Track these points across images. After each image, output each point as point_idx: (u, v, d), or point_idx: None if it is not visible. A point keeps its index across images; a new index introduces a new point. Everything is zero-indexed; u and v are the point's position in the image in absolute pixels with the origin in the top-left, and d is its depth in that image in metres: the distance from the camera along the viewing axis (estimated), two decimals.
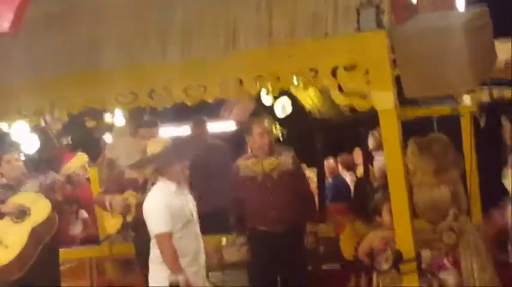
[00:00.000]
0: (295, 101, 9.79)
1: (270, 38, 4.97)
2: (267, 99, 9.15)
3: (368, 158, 8.66)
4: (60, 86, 5.36)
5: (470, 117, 6.24)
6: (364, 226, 7.08)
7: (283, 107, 9.55)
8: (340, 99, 4.82)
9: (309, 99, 9.84)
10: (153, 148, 5.74)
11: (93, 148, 7.74)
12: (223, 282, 7.43)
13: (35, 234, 6.29)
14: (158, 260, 5.57)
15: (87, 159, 6.89)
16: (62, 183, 6.74)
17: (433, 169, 5.06)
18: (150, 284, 5.69)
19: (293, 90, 9.68)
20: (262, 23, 5.00)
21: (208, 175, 8.33)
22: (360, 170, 9.15)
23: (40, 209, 6.34)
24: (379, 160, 8.11)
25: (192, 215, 5.69)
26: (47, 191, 6.51)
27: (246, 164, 6.68)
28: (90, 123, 7.63)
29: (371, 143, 8.57)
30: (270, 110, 9.30)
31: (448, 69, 4.59)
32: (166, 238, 5.44)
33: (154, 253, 5.60)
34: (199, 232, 5.74)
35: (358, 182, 8.73)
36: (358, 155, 9.71)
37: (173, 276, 5.39)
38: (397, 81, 4.78)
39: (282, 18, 4.99)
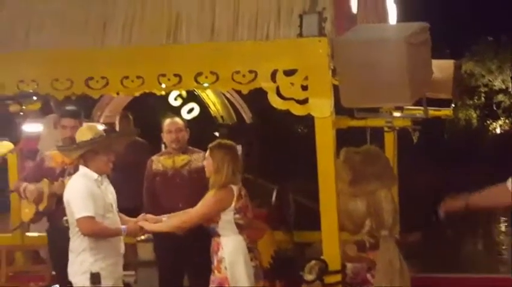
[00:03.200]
0: (203, 106, 10.09)
1: (212, 35, 4.95)
2: (175, 102, 9.40)
3: None
4: None
5: (395, 133, 6.38)
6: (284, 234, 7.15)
7: (190, 110, 9.80)
8: (277, 104, 4.80)
9: (212, 105, 10.08)
10: (83, 134, 5.62)
11: (13, 133, 7.54)
12: (137, 281, 7.38)
13: None
14: (78, 250, 5.48)
15: (12, 148, 6.70)
16: None
17: (349, 179, 5.09)
18: (69, 273, 5.59)
19: (202, 95, 10.01)
20: (205, 20, 4.99)
21: (128, 171, 8.31)
22: None
23: None
24: None
25: (111, 206, 5.64)
26: None
27: (158, 159, 6.85)
28: (13, 108, 7.46)
29: None
30: (177, 111, 9.52)
31: (385, 82, 4.62)
32: (90, 220, 5.37)
33: (75, 242, 5.51)
34: (119, 223, 5.68)
35: (279, 189, 8.76)
36: None
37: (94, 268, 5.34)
38: (335, 90, 4.82)
39: (224, 17, 5.00)
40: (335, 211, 4.78)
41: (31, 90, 5.20)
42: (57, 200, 6.18)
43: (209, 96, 10.43)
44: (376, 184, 5.04)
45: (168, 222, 5.78)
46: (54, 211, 6.35)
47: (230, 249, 5.59)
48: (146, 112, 16.38)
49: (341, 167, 4.98)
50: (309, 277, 4.93)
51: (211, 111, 10.58)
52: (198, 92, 10.15)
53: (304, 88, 4.76)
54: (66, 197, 5.57)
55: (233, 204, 5.59)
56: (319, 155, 4.80)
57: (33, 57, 5.15)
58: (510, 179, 4.40)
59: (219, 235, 5.61)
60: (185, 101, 10.19)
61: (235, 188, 5.64)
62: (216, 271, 5.61)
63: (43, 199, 6.40)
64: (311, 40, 4.74)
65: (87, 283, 5.36)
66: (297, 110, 4.82)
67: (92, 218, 5.37)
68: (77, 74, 5.05)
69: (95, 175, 5.55)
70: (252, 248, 5.80)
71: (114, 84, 5.01)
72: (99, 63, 5.05)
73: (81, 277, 5.43)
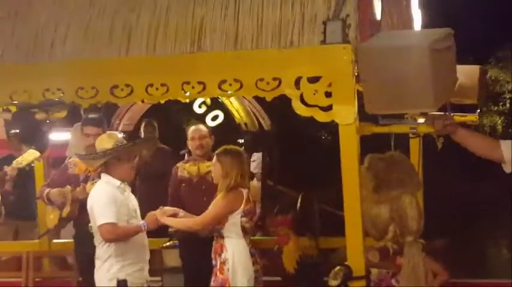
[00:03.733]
0: (227, 113, 10.15)
1: (236, 43, 4.97)
2: (199, 109, 9.48)
3: None
4: (20, 74, 5.25)
5: (420, 139, 6.36)
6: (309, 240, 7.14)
7: (214, 117, 9.88)
8: (301, 111, 4.81)
9: (236, 112, 10.13)
10: (104, 142, 5.67)
11: (40, 141, 7.59)
12: None
13: None
14: (104, 256, 5.53)
15: (39, 156, 6.76)
16: (12, 175, 6.64)
17: (372, 185, 5.08)
18: (95, 280, 5.64)
19: (226, 103, 10.07)
20: (229, 28, 5.00)
21: (153, 178, 8.39)
22: None
23: None
24: None
25: (135, 212, 5.69)
26: None
27: (184, 166, 6.96)
28: (40, 116, 7.53)
29: None
30: (202, 119, 9.59)
31: (409, 89, 4.62)
32: (111, 226, 5.42)
33: (101, 249, 5.57)
34: None
35: (304, 195, 8.77)
36: None
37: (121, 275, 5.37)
38: (359, 96, 4.82)
39: (248, 25, 5.00)
40: (359, 217, 4.77)
41: (56, 99, 5.23)
42: (81, 206, 6.24)
43: (233, 104, 10.48)
44: (400, 189, 5.01)
45: (181, 220, 5.85)
46: (79, 217, 6.42)
47: (234, 251, 5.65)
48: (170, 120, 16.51)
49: (365, 173, 4.97)
50: (333, 282, 4.93)
51: (235, 119, 10.63)
52: (222, 99, 10.20)
53: (328, 95, 4.75)
54: (90, 204, 5.63)
55: (241, 207, 5.65)
56: (343, 162, 4.79)
57: (59, 67, 5.19)
58: (505, 141, 4.74)
59: (223, 237, 5.67)
60: (209, 109, 10.24)
61: (244, 191, 5.71)
62: (218, 273, 5.68)
63: (66, 204, 6.46)
64: (335, 47, 4.73)
65: None
66: (321, 117, 4.82)
67: (113, 224, 5.42)
68: (101, 82, 5.08)
69: (118, 182, 5.60)
70: (253, 253, 5.86)
71: (138, 92, 5.03)
72: (123, 71, 5.08)
73: (108, 284, 5.47)
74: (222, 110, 10.45)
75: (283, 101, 4.92)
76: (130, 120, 9.48)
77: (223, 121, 9.95)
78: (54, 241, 7.91)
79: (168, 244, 7.46)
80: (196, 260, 6.58)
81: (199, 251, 6.37)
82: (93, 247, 5.94)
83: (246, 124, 10.85)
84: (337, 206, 8.96)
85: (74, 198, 6.39)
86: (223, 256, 5.66)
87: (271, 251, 6.88)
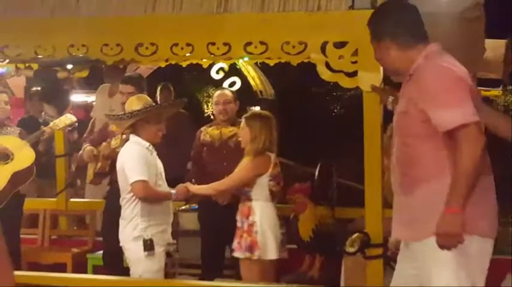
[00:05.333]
0: (244, 80, 10.13)
1: (263, 5, 4.93)
2: (216, 75, 9.45)
3: None
4: (46, 29, 5.23)
5: None
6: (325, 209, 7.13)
7: (231, 84, 9.87)
8: (326, 76, 4.77)
9: (252, 79, 10.11)
10: (133, 104, 5.67)
11: (61, 99, 7.63)
12: (178, 250, 7.43)
13: (14, 179, 6.18)
14: (130, 216, 5.54)
15: (75, 121, 6.80)
16: (48, 137, 6.69)
17: None
18: (120, 239, 5.67)
19: (243, 70, 10.05)
20: None
21: (172, 142, 8.38)
22: None
23: (24, 156, 6.23)
24: None
25: (161, 174, 5.70)
26: (31, 140, 6.41)
27: (207, 130, 6.92)
28: (61, 74, 7.55)
29: None
30: (219, 85, 9.58)
31: None
32: (144, 184, 5.43)
33: (127, 209, 5.57)
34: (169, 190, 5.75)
35: (322, 164, 8.75)
36: None
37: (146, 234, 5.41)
38: None
39: None
40: (379, 186, 4.76)
41: (81, 55, 5.21)
42: (113, 162, 6.28)
43: (249, 71, 10.48)
44: None
45: (209, 186, 5.86)
46: (113, 175, 6.44)
47: (262, 214, 5.65)
48: (186, 84, 16.50)
49: (389, 142, 4.94)
50: (350, 249, 4.94)
51: (252, 86, 10.63)
52: (240, 66, 10.19)
53: (354, 61, 4.72)
54: (120, 162, 5.64)
55: (269, 170, 5.65)
56: (366, 130, 4.77)
57: (84, 22, 5.17)
58: None
59: (250, 199, 5.67)
60: (227, 75, 10.22)
61: (272, 155, 5.69)
62: (245, 235, 5.66)
63: (99, 159, 6.51)
64: (363, 12, 4.66)
65: (141, 249, 5.43)
66: (346, 83, 4.80)
67: (146, 182, 5.44)
68: (126, 40, 5.06)
69: (146, 144, 5.60)
70: (285, 216, 5.86)
71: (163, 51, 5.02)
72: (149, 30, 5.06)
73: (134, 243, 5.50)
74: (239, 77, 10.44)
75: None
76: None
77: (240, 88, 9.92)
78: (71, 199, 7.97)
79: (184, 207, 7.48)
80: (215, 224, 6.58)
81: (217, 214, 6.38)
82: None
83: (261, 92, 10.88)
84: (350, 178, 9.02)
85: (104, 154, 6.46)
86: (250, 218, 5.66)
87: (287, 219, 6.87)
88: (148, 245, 5.45)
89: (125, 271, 5.79)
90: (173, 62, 7.20)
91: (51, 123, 6.66)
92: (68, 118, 6.65)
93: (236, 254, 5.75)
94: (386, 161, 4.94)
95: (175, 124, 8.43)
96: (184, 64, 7.31)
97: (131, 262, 5.60)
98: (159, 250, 5.55)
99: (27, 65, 7.40)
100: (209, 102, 20.36)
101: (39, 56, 5.38)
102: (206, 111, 19.42)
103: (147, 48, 5.02)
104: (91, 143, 6.77)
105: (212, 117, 9.51)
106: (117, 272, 5.99)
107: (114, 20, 5.12)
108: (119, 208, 5.68)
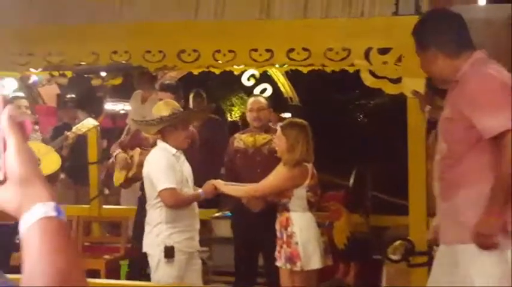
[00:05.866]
0: (275, 87, 10.11)
1: (305, 12, 4.92)
2: (247, 82, 9.44)
3: None
4: (88, 36, 5.25)
5: None
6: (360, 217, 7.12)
7: (263, 91, 9.87)
8: (370, 82, 4.76)
9: (282, 86, 10.11)
10: (162, 109, 5.66)
11: (95, 106, 7.65)
12: (211, 257, 7.43)
13: None
14: (155, 222, 5.54)
15: (98, 124, 6.82)
16: (72, 141, 6.71)
17: None
18: (144, 244, 5.67)
19: (273, 77, 10.04)
20: None
21: (203, 147, 8.39)
22: None
23: (50, 161, 6.26)
24: None
25: (187, 181, 5.69)
26: (56, 145, 6.43)
27: (240, 137, 6.86)
28: (96, 82, 7.58)
29: None
30: (250, 92, 9.58)
31: None
32: (173, 192, 5.42)
33: (152, 214, 5.57)
34: None
35: (357, 172, 8.74)
36: None
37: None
38: None
39: None
40: (424, 192, 4.73)
41: (123, 61, 5.22)
42: None
43: (279, 78, 10.49)
44: None
45: (240, 188, 5.83)
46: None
47: (301, 224, 5.61)
48: (218, 91, 16.50)
49: (433, 146, 4.91)
50: (393, 257, 4.90)
51: (283, 93, 10.64)
52: (270, 73, 10.20)
53: (398, 67, 4.71)
54: (147, 169, 5.62)
55: (307, 181, 5.61)
56: (410, 136, 4.75)
57: (127, 29, 5.18)
58: None
59: (288, 210, 5.64)
60: (258, 82, 10.24)
61: (309, 166, 5.66)
62: (285, 246, 5.63)
63: (133, 166, 6.52)
64: (407, 18, 4.65)
65: (161, 255, 5.43)
66: (390, 89, 4.78)
67: (174, 189, 5.42)
68: (169, 46, 5.06)
69: (174, 150, 5.59)
70: (320, 223, 5.82)
71: (205, 57, 5.01)
72: (191, 36, 5.06)
73: (156, 249, 5.50)
74: (270, 84, 10.46)
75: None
76: None
77: (271, 95, 9.93)
78: (104, 206, 7.98)
79: (218, 214, 7.48)
80: (248, 231, 6.57)
81: (251, 221, 6.36)
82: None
83: (291, 98, 10.89)
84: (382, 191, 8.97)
85: (140, 160, 6.48)
86: (289, 229, 5.62)
87: (322, 226, 6.86)
88: (169, 252, 5.44)
89: (147, 278, 5.82)
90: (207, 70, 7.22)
91: (74, 128, 6.67)
92: (90, 122, 6.65)
93: (278, 263, 5.72)
94: (429, 166, 4.91)
95: (208, 129, 8.48)
96: (217, 71, 7.31)
97: (152, 268, 5.60)
98: (181, 257, 5.53)
99: (61, 72, 7.44)
100: (232, 110, 20.36)
101: (82, 63, 5.39)
102: (229, 119, 19.44)
103: (189, 54, 5.02)
104: (121, 147, 6.81)
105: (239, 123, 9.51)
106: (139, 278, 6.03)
107: (157, 27, 5.12)
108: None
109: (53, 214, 1.45)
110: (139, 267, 6.52)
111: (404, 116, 4.80)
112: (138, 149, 6.56)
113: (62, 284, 1.38)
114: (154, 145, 6.37)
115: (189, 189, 5.70)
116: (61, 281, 1.38)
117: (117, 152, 6.71)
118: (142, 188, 6.66)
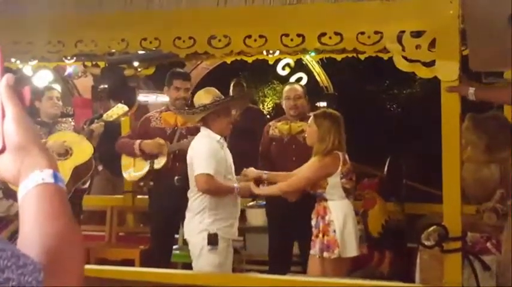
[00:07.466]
0: (310, 76, 10.03)
1: None
2: (282, 71, 9.38)
3: None
4: (118, 23, 5.23)
5: None
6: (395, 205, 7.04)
7: (298, 80, 9.83)
8: (403, 66, 4.68)
9: (317, 75, 10.03)
10: (203, 97, 5.66)
11: (128, 96, 7.63)
12: (245, 246, 7.41)
13: (75, 174, 6.21)
14: (197, 209, 5.54)
15: (128, 110, 6.77)
16: (99, 132, 6.70)
17: (484, 145, 4.92)
18: (185, 232, 5.69)
19: (309, 66, 9.96)
20: None
21: (242, 136, 8.39)
22: None
23: (82, 150, 6.25)
24: None
25: (231, 167, 5.70)
26: (87, 134, 6.42)
27: (275, 125, 6.88)
28: (128, 72, 7.57)
29: None
30: (285, 81, 9.54)
31: None
32: (208, 177, 5.43)
33: (194, 201, 5.58)
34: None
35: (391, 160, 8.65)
36: None
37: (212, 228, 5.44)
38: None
39: None
40: (458, 177, 4.62)
41: (153, 48, 5.20)
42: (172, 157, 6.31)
43: (314, 67, 10.43)
44: (508, 151, 4.86)
45: (275, 187, 5.80)
46: (168, 170, 6.45)
47: (339, 213, 5.57)
48: (251, 82, 16.50)
49: (473, 132, 4.82)
50: (427, 242, 4.83)
51: (318, 82, 10.58)
52: (306, 62, 10.14)
53: (432, 51, 4.62)
54: (190, 155, 5.64)
55: (339, 169, 5.56)
56: (444, 121, 4.65)
57: (156, 16, 5.16)
58: None
59: (326, 200, 5.59)
60: (293, 71, 10.18)
61: (340, 154, 5.61)
62: (321, 235, 5.59)
63: (160, 156, 6.50)
64: (440, 1, 4.58)
65: (205, 242, 5.42)
66: (423, 73, 4.70)
67: (210, 176, 5.41)
68: (199, 32, 5.02)
69: (218, 137, 5.60)
70: (357, 211, 5.78)
71: (236, 43, 4.96)
72: (221, 22, 5.01)
73: (199, 236, 5.49)
74: (305, 73, 10.40)
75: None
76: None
77: (306, 83, 9.88)
78: (138, 196, 7.99)
79: (252, 203, 7.45)
80: (283, 220, 6.55)
81: (286, 210, 6.33)
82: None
83: (326, 88, 10.83)
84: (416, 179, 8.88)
85: (169, 150, 6.46)
86: (327, 218, 5.58)
87: (357, 215, 6.80)
88: (213, 240, 5.44)
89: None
90: (239, 58, 7.19)
91: (104, 115, 6.66)
92: (120, 108, 6.63)
93: (312, 252, 5.68)
94: (471, 152, 4.82)
95: (247, 119, 8.48)
96: (250, 60, 7.27)
97: (194, 255, 5.59)
98: (223, 244, 5.52)
99: (94, 63, 7.45)
100: (265, 101, 20.34)
101: (112, 51, 5.37)
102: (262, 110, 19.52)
103: (220, 40, 4.98)
104: (131, 138, 6.78)
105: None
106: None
107: (187, 13, 5.08)
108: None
109: (50, 180, 1.44)
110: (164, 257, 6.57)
111: (438, 105, 4.70)
112: (162, 140, 6.55)
113: (58, 248, 1.36)
114: (172, 135, 6.41)
115: (233, 176, 5.71)
116: (57, 245, 1.37)
117: (138, 142, 6.63)
118: (154, 179, 6.65)
